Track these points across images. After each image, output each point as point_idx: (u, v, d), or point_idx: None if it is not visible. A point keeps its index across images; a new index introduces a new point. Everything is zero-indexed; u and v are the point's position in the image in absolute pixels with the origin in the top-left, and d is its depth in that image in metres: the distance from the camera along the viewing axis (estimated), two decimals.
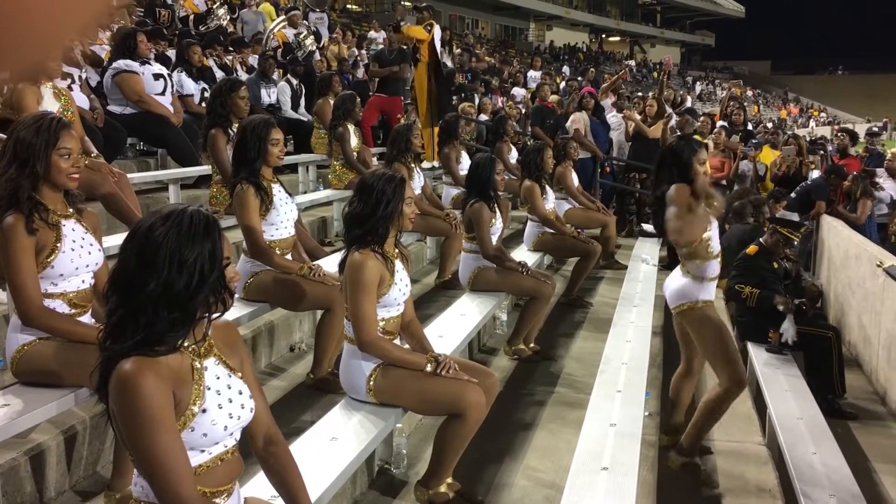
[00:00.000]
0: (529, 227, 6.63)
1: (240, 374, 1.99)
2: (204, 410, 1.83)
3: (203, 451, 1.86)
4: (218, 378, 1.91)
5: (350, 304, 3.11)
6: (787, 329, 5.00)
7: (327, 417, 3.12)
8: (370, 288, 3.06)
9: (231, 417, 1.90)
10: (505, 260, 5.15)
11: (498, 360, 5.21)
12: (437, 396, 3.11)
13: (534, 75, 15.61)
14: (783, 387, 4.62)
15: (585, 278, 6.74)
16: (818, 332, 5.28)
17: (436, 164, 9.06)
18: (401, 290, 3.21)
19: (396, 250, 3.28)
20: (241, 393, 1.95)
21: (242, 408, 1.94)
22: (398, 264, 3.24)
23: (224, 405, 1.89)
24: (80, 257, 2.83)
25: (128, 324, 1.74)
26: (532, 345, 5.29)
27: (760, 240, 5.40)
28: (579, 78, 14.44)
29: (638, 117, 9.82)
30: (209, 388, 1.87)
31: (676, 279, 3.95)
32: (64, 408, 2.80)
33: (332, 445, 2.85)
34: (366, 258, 3.07)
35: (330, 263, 4.44)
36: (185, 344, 1.85)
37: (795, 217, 7.63)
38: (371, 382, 3.14)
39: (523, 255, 6.18)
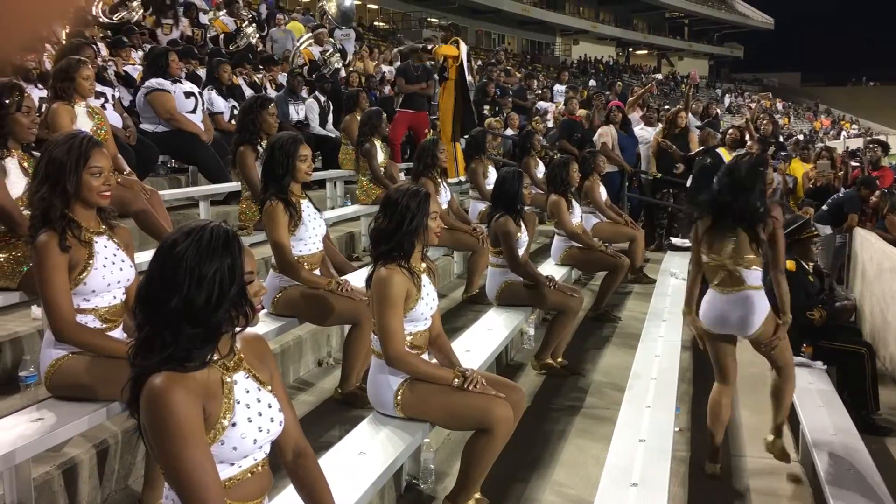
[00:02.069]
0: (556, 242, 6.61)
1: (269, 388, 2.00)
2: (234, 424, 1.85)
3: (233, 464, 1.87)
4: (247, 392, 1.93)
5: (377, 319, 3.13)
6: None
7: (355, 432, 3.13)
8: (397, 303, 3.08)
9: (261, 431, 1.91)
10: (532, 274, 5.14)
11: (526, 375, 5.19)
12: (464, 411, 3.11)
13: (560, 89, 15.60)
14: (817, 402, 4.54)
15: (614, 293, 6.70)
16: (851, 347, 5.19)
17: (462, 178, 9.08)
18: (428, 304, 3.22)
19: (423, 265, 3.29)
20: (270, 406, 1.96)
21: (272, 421, 1.95)
22: (425, 279, 3.25)
23: (253, 419, 1.90)
24: (111, 273, 2.88)
25: (154, 340, 1.77)
26: (560, 359, 5.27)
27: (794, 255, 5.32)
28: (607, 92, 14.38)
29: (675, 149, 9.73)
30: (238, 402, 1.88)
31: (758, 300, 3.90)
32: (96, 422, 2.84)
33: (360, 460, 2.86)
34: (392, 273, 3.09)
35: (358, 278, 4.46)
36: (215, 358, 1.86)
37: (827, 229, 7.51)
38: (398, 397, 3.14)
39: (551, 269, 6.16)
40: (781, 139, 12.87)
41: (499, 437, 3.07)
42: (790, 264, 5.18)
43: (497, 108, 12.06)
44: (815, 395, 4.65)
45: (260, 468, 1.95)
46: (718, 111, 16.99)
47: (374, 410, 3.28)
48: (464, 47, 9.62)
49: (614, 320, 6.51)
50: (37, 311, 3.71)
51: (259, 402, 1.94)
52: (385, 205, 3.22)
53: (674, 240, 9.43)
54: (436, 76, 10.08)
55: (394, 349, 3.08)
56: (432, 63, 10.35)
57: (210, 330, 1.80)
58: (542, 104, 14.69)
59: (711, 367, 4.17)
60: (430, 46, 10.28)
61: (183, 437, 1.71)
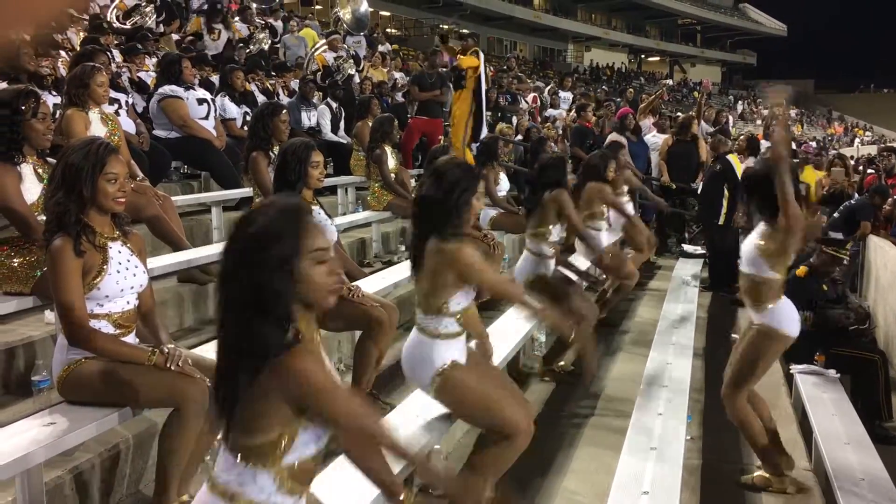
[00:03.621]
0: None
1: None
2: None
3: None
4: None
5: (485, 285, 3.13)
6: None
7: None
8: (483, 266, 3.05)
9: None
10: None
11: (537, 382, 5.17)
12: (500, 411, 3.04)
13: (564, 96, 15.60)
14: (829, 411, 4.51)
15: (622, 299, 6.65)
16: (864, 355, 5.16)
17: None
18: None
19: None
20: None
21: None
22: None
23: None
24: (125, 279, 2.89)
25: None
26: (564, 364, 5.26)
27: (810, 260, 5.30)
28: (618, 98, 14.38)
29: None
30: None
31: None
32: (108, 427, 2.85)
33: None
34: (462, 244, 3.02)
35: (368, 284, 4.47)
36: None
37: (839, 236, 7.48)
38: (439, 378, 3.06)
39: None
40: (794, 146, 12.80)
41: (516, 448, 3.05)
42: (802, 269, 5.16)
43: (503, 114, 12.07)
44: (829, 403, 4.62)
45: None
46: (730, 118, 16.95)
47: (385, 417, 3.27)
48: (481, 57, 9.61)
49: (616, 325, 6.47)
50: (50, 315, 3.74)
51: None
52: (434, 175, 3.12)
53: (686, 247, 9.42)
54: (450, 83, 10.08)
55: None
56: (445, 69, 10.35)
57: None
58: (551, 111, 14.70)
59: (722, 374, 4.14)
60: (439, 44, 10.25)
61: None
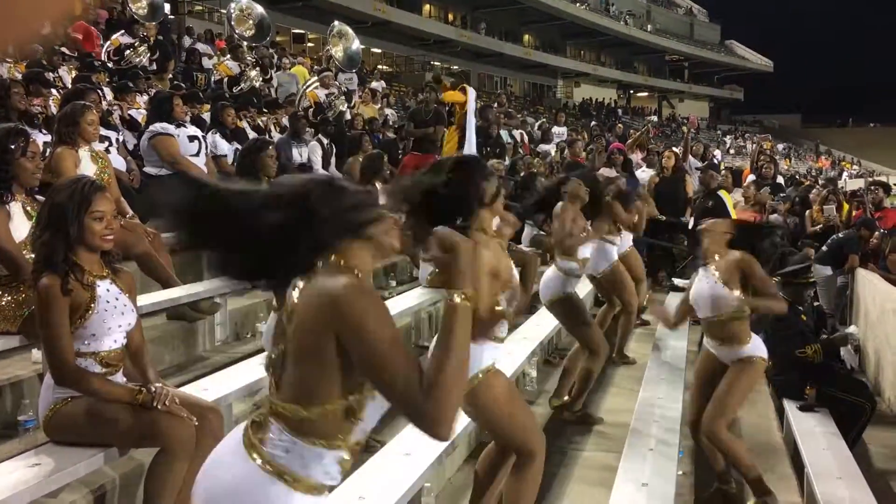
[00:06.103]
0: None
1: None
2: None
3: None
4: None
5: None
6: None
7: (355, 477, 3.10)
8: None
9: None
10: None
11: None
12: (522, 427, 3.09)
13: (558, 131, 15.72)
14: (821, 445, 4.50)
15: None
16: (855, 400, 5.14)
17: None
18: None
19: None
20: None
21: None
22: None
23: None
24: (112, 318, 2.89)
25: None
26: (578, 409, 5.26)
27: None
28: (607, 133, 14.51)
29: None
30: None
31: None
32: (94, 467, 2.83)
33: None
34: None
35: None
36: None
37: (801, 264, 7.46)
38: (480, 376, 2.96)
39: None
40: (781, 180, 12.93)
41: (537, 472, 3.09)
42: None
43: (498, 151, 12.13)
44: (820, 437, 4.61)
45: None
46: (718, 152, 17.09)
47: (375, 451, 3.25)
48: (472, 93, 9.67)
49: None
50: (37, 354, 3.71)
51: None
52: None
53: (676, 280, 9.44)
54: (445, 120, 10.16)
55: None
56: (441, 105, 10.42)
57: None
58: (543, 146, 14.81)
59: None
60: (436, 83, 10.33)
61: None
